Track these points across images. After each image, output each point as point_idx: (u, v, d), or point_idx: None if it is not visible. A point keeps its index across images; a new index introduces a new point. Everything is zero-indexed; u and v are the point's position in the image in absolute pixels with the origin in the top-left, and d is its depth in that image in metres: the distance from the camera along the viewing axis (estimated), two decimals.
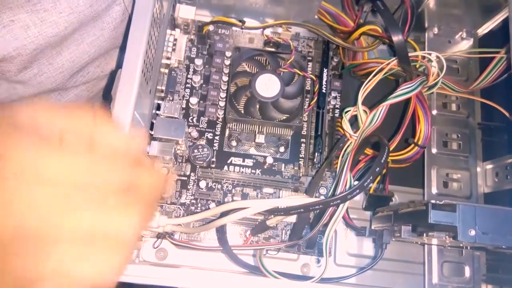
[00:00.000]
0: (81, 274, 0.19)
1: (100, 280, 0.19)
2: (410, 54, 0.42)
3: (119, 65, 0.34)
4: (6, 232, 0.18)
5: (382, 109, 0.41)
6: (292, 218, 0.43)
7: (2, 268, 0.18)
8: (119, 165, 0.21)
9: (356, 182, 0.44)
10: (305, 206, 0.38)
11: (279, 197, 0.44)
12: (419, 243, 0.44)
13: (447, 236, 0.35)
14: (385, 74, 0.42)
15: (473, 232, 0.33)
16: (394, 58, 0.42)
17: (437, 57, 0.43)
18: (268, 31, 0.50)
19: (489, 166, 0.48)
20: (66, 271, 0.19)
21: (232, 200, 0.45)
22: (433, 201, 0.34)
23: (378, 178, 0.46)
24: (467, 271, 0.44)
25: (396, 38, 0.41)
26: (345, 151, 0.43)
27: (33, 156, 0.19)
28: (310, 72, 0.49)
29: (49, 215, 0.18)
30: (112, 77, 0.36)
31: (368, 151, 0.44)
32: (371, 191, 0.43)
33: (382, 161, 0.36)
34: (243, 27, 0.49)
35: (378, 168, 0.36)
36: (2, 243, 0.18)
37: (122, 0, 0.43)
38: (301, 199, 0.40)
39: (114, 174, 0.20)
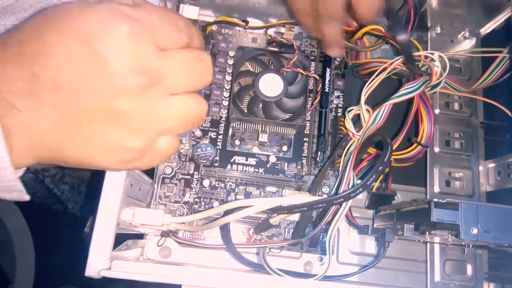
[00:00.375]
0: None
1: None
2: (413, 54, 0.42)
3: None
4: None
5: (385, 109, 0.42)
6: (295, 217, 0.44)
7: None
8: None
9: (359, 181, 0.44)
10: (309, 204, 0.38)
11: (282, 195, 0.45)
12: (421, 241, 0.44)
13: (449, 235, 0.35)
14: (388, 73, 0.43)
15: (475, 231, 0.33)
16: (397, 58, 0.43)
17: (440, 56, 0.43)
18: (271, 31, 0.50)
19: (491, 165, 0.48)
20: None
21: (236, 199, 0.45)
22: (435, 200, 0.34)
23: (381, 177, 0.46)
24: (469, 269, 0.44)
25: (401, 37, 0.41)
26: (348, 150, 0.43)
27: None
28: (313, 72, 0.49)
29: None
30: None
31: (371, 150, 0.44)
32: (373, 190, 0.44)
33: (385, 160, 0.37)
34: (246, 27, 0.50)
35: (381, 167, 0.36)
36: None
37: None
38: (305, 198, 0.40)
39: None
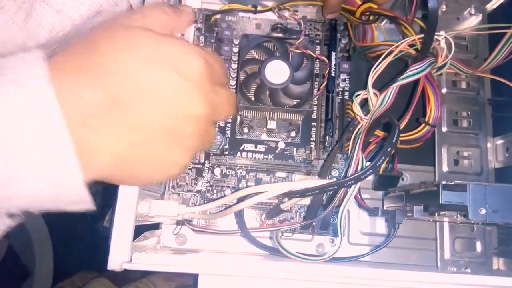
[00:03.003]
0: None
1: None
2: (418, 36, 0.42)
3: None
4: None
5: (392, 91, 0.42)
6: (306, 201, 0.45)
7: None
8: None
9: (368, 163, 0.45)
10: (320, 188, 0.39)
11: (291, 180, 0.46)
12: (431, 220, 0.45)
13: (458, 215, 0.36)
14: (395, 56, 0.43)
15: (483, 211, 0.34)
16: (403, 40, 0.42)
17: (445, 38, 0.43)
18: (274, 16, 0.50)
19: (500, 142, 0.48)
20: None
21: (247, 186, 0.46)
22: (444, 182, 0.35)
23: (387, 159, 0.47)
24: (479, 246, 0.45)
25: (431, 3, 0.38)
26: (356, 133, 0.44)
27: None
28: (319, 54, 0.49)
29: None
30: None
31: (379, 132, 0.44)
32: (380, 172, 0.44)
33: (394, 140, 0.37)
34: (256, 11, 0.49)
35: (389, 148, 0.37)
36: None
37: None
38: (316, 181, 0.41)
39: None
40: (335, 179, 0.46)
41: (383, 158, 0.36)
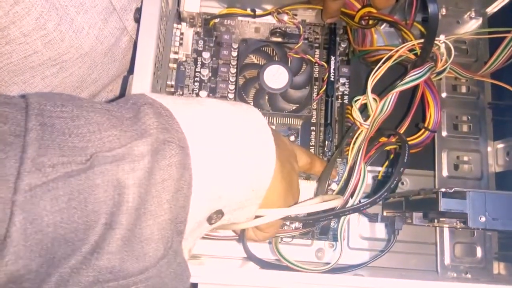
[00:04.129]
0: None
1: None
2: (417, 41, 0.42)
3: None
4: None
5: (391, 97, 0.42)
6: None
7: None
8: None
9: (368, 168, 0.44)
10: (336, 213, 0.38)
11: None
12: (431, 226, 0.45)
13: (458, 222, 0.35)
14: (394, 61, 0.42)
15: (483, 219, 0.34)
16: (403, 45, 0.42)
17: (445, 42, 0.43)
18: (273, 21, 0.50)
19: (500, 146, 0.48)
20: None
21: None
22: (443, 190, 0.35)
23: (386, 163, 0.47)
24: (479, 251, 0.45)
25: (432, 8, 0.38)
26: (356, 139, 0.44)
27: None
28: (318, 59, 0.49)
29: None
30: (124, 83, 0.37)
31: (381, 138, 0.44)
32: (379, 177, 0.44)
33: (405, 160, 0.37)
34: (254, 15, 0.49)
35: (402, 168, 0.37)
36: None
37: (127, 31, 0.43)
38: (327, 204, 0.39)
39: None
40: (333, 185, 0.46)
41: (397, 179, 0.36)
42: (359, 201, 0.40)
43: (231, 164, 0.28)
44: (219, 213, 0.29)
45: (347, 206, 0.39)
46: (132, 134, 0.24)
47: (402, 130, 0.44)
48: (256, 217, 0.34)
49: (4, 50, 0.35)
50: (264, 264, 0.42)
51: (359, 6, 0.46)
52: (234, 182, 0.28)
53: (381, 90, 0.44)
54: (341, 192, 0.41)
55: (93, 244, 0.22)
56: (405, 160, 0.36)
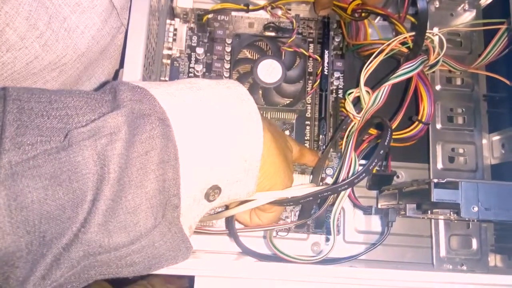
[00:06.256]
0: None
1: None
2: (409, 34, 0.42)
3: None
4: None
5: (384, 89, 0.42)
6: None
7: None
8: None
9: (362, 161, 0.44)
10: (314, 194, 0.38)
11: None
12: (426, 218, 0.45)
13: (451, 213, 0.35)
14: (386, 55, 0.42)
15: (476, 209, 0.34)
16: (394, 39, 0.42)
17: (438, 35, 0.43)
18: (267, 15, 0.50)
19: (496, 138, 0.48)
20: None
21: None
22: (435, 180, 0.35)
23: (381, 160, 0.46)
24: (475, 243, 0.45)
25: (421, 1, 0.39)
26: (349, 131, 0.44)
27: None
28: (312, 53, 0.49)
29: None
30: (115, 77, 0.37)
31: (372, 131, 0.44)
32: (374, 171, 0.44)
33: (386, 143, 0.37)
34: (247, 10, 0.49)
35: (382, 151, 0.36)
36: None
37: (123, 28, 0.43)
38: (309, 188, 0.40)
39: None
40: (328, 178, 0.46)
41: (376, 161, 0.36)
42: (353, 193, 0.40)
43: (216, 134, 0.28)
44: (216, 188, 0.29)
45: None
46: (107, 109, 0.24)
47: (396, 123, 0.44)
48: (248, 201, 0.35)
49: (6, 59, 0.35)
50: (256, 256, 0.42)
51: None
52: (222, 152, 0.28)
53: (374, 84, 0.44)
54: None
55: (82, 222, 0.22)
56: (386, 143, 0.35)
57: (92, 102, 0.24)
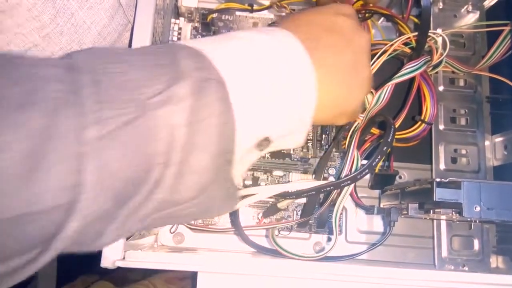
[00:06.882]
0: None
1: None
2: (412, 34, 0.42)
3: None
4: None
5: (387, 89, 0.42)
6: (303, 199, 0.45)
7: None
8: None
9: (364, 161, 0.45)
10: (316, 188, 0.39)
11: (288, 179, 0.46)
12: (428, 218, 0.45)
13: (453, 212, 0.36)
14: (389, 55, 0.42)
15: (478, 208, 0.34)
16: (397, 39, 0.42)
17: (441, 36, 0.43)
18: (271, 15, 0.50)
19: (498, 139, 0.48)
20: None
21: (244, 185, 0.46)
22: (438, 180, 0.35)
23: (383, 158, 0.47)
24: (476, 244, 0.45)
25: (424, 2, 0.39)
26: (352, 131, 0.44)
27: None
28: None
29: None
30: None
31: (375, 130, 0.44)
32: (376, 170, 0.44)
33: (389, 140, 0.37)
34: (252, 10, 0.49)
35: (385, 147, 0.37)
36: None
37: (130, 26, 0.44)
38: (311, 182, 0.41)
39: None
40: (331, 178, 0.46)
41: (378, 157, 0.36)
42: (355, 192, 0.41)
43: (271, 95, 0.30)
44: (267, 140, 0.31)
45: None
46: (173, 78, 0.26)
47: (398, 123, 0.45)
48: (245, 196, 0.37)
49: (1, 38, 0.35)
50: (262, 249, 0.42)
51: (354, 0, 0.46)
52: (276, 110, 0.30)
53: (378, 84, 0.44)
54: None
55: (153, 182, 0.25)
56: (389, 140, 0.36)
57: (154, 69, 0.26)
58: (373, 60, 0.42)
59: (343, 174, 0.38)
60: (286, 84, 0.30)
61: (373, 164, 0.37)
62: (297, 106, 0.31)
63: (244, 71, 0.29)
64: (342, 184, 0.38)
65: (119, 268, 0.33)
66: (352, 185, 0.39)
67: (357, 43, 0.34)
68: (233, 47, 0.30)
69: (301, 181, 0.39)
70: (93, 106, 0.23)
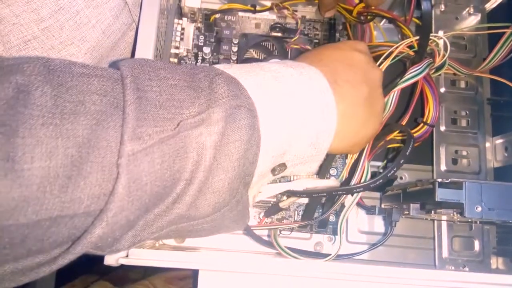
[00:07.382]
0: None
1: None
2: (416, 38, 0.42)
3: None
4: None
5: (393, 95, 0.42)
6: (305, 199, 0.45)
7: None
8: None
9: (372, 163, 0.45)
10: (329, 191, 0.39)
11: (289, 179, 0.46)
12: (428, 219, 0.45)
13: (454, 213, 0.36)
14: (394, 58, 0.43)
15: (479, 209, 0.34)
16: (402, 42, 0.43)
17: (443, 38, 0.43)
18: (273, 16, 0.50)
19: (499, 141, 0.48)
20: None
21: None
22: (439, 180, 0.35)
23: (385, 162, 0.47)
24: (477, 245, 0.45)
25: (425, 4, 0.39)
26: None
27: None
28: None
29: None
30: None
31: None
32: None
33: (407, 153, 0.37)
34: (255, 10, 0.50)
35: (402, 160, 0.37)
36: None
37: (134, 25, 0.44)
38: (322, 182, 0.40)
39: None
40: (332, 178, 0.46)
41: (395, 169, 0.37)
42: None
43: (294, 123, 0.31)
44: (283, 166, 0.33)
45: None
46: (209, 103, 0.28)
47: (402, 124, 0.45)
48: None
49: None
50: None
51: (357, 1, 0.46)
52: (297, 140, 0.32)
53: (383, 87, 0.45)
54: None
55: (175, 197, 0.26)
56: (407, 153, 0.36)
57: (192, 94, 0.28)
58: (378, 62, 0.42)
59: (352, 182, 0.39)
60: (309, 116, 0.32)
61: (388, 175, 0.37)
62: (317, 137, 0.33)
63: (272, 101, 0.31)
64: (354, 191, 0.39)
65: (119, 267, 0.33)
66: (359, 194, 0.39)
67: (372, 77, 0.36)
68: (263, 77, 0.32)
69: (309, 180, 0.39)
70: (134, 122, 0.24)
